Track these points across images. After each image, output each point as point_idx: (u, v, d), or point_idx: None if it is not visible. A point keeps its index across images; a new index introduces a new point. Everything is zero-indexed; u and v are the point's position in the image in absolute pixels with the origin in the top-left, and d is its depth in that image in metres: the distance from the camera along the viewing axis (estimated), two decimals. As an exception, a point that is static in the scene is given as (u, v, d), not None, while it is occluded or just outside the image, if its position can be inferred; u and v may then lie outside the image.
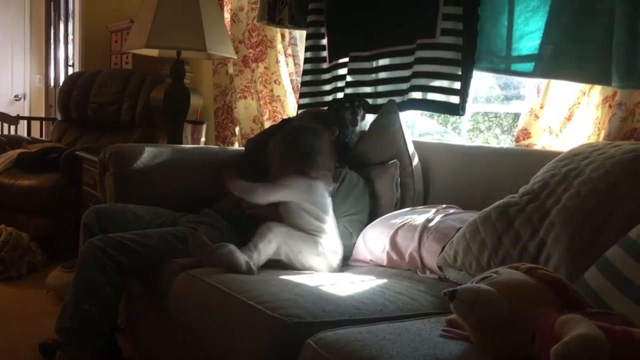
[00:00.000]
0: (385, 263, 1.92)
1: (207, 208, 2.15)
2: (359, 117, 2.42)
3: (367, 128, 2.45)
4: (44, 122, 5.59)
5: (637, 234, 1.19)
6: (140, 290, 2.03)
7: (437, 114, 2.85)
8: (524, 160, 1.96)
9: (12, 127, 5.16)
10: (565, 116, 1.99)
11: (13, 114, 5.59)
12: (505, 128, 2.82)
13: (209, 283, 1.53)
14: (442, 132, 3.16)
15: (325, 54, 2.79)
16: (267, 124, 3.26)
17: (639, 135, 1.75)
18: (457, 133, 2.97)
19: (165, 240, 1.91)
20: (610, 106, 1.84)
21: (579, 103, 1.96)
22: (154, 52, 3.13)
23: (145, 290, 2.00)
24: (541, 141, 2.06)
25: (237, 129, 3.53)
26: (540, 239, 1.44)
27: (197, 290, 1.57)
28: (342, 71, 2.73)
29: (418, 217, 1.90)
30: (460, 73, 2.18)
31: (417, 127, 2.97)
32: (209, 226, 2.02)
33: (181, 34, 2.79)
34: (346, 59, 2.67)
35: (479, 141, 2.83)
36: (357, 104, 2.46)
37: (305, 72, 2.84)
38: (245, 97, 3.47)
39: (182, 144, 3.01)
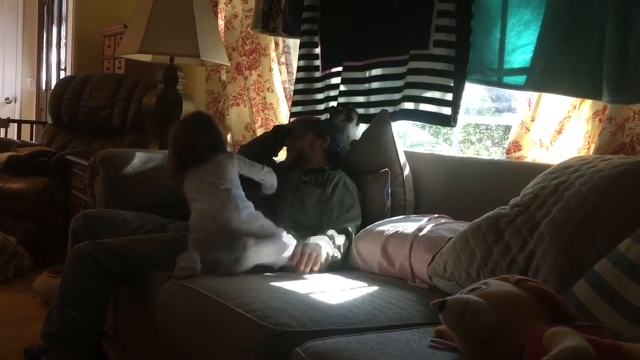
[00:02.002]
0: (376, 270, 1.92)
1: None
2: (353, 118, 2.44)
3: (359, 137, 2.46)
4: (34, 125, 5.55)
5: (625, 248, 1.19)
6: (127, 296, 2.02)
7: (429, 125, 2.86)
8: (514, 172, 1.97)
9: (2, 130, 5.12)
10: (556, 129, 2.00)
11: (3, 116, 5.56)
12: (496, 140, 2.83)
13: (197, 290, 1.52)
14: (433, 143, 3.17)
15: (318, 62, 2.79)
16: (259, 132, 3.26)
17: (629, 150, 1.77)
18: (449, 144, 2.99)
19: (154, 246, 1.90)
20: (600, 120, 1.86)
21: (570, 116, 1.97)
22: (147, 58, 3.12)
23: (132, 297, 1.99)
24: (532, 154, 2.07)
25: (229, 136, 3.52)
26: (529, 251, 1.45)
27: (184, 298, 1.56)
28: (335, 80, 2.74)
29: (410, 225, 1.90)
30: (452, 84, 2.19)
31: (409, 138, 2.98)
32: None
33: (175, 40, 2.79)
34: (339, 68, 2.68)
35: (469, 153, 2.85)
36: (350, 106, 2.48)
37: (298, 81, 2.85)
38: (238, 104, 3.47)
39: (173, 149, 2.99)
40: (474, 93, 2.65)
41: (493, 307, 1.02)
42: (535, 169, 1.77)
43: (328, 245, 1.91)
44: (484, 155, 2.69)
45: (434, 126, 2.87)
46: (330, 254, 1.90)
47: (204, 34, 2.83)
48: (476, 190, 2.05)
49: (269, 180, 2.14)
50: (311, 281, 1.69)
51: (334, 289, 1.60)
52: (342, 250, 1.97)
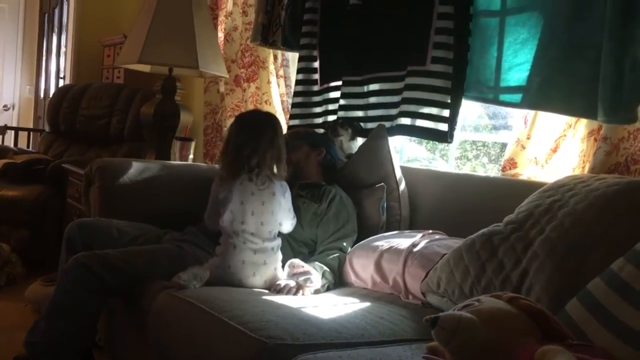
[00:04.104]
0: (369, 286, 1.91)
1: (191, 226, 2.14)
2: (348, 131, 2.46)
3: (355, 150, 2.47)
4: (31, 133, 5.55)
5: (619, 267, 1.20)
6: (121, 307, 2.01)
7: (426, 141, 2.87)
8: (509, 189, 1.97)
9: (-1, 137, 5.13)
10: (551, 148, 2.01)
11: (1, 123, 5.56)
12: (493, 157, 2.84)
13: (190, 302, 1.51)
14: (430, 158, 3.18)
15: (316, 76, 2.81)
16: (256, 144, 3.26)
17: (623, 169, 1.77)
18: (445, 160, 2.99)
19: (150, 258, 1.90)
20: (595, 139, 1.87)
21: (565, 135, 1.98)
22: (146, 68, 3.13)
23: (126, 308, 1.98)
24: (527, 171, 2.08)
25: (226, 148, 3.52)
26: (523, 269, 1.45)
27: (177, 309, 1.56)
28: (333, 94, 2.75)
29: (404, 241, 1.90)
30: (449, 101, 2.20)
31: (406, 153, 2.99)
32: (192, 244, 2.00)
33: (174, 51, 2.81)
34: (338, 82, 2.70)
35: (466, 169, 2.86)
36: (343, 120, 2.51)
37: (296, 94, 2.86)
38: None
39: (170, 160, 3.00)
40: (471, 110, 2.67)
41: (485, 324, 1.02)
42: (530, 186, 1.78)
43: (317, 279, 1.88)
44: (480, 172, 2.70)
45: (431, 142, 2.87)
46: (318, 287, 1.88)
47: (204, 46, 2.85)
48: (471, 206, 2.05)
49: (288, 228, 2.04)
50: (303, 296, 1.69)
51: (326, 304, 1.60)
52: (332, 277, 1.96)
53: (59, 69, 6.03)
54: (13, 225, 3.43)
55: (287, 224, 2.00)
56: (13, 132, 5.29)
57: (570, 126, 1.97)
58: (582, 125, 1.93)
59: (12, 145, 5.04)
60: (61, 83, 5.70)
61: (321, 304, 1.58)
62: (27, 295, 2.85)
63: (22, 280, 3.23)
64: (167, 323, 1.59)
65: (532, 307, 1.06)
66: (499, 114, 2.66)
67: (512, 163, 2.11)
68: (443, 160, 3.03)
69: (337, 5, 2.66)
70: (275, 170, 1.93)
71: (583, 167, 1.91)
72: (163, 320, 1.61)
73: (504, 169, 2.14)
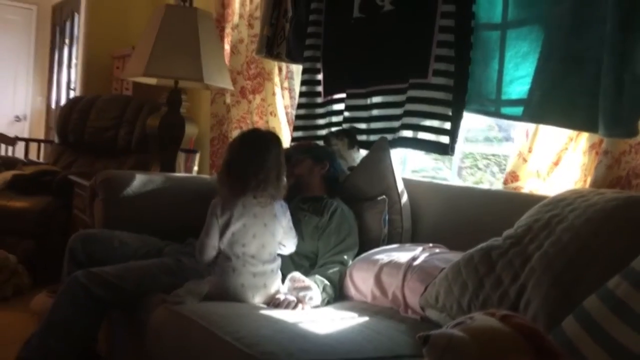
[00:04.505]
0: (369, 300, 1.91)
1: (192, 238, 2.14)
2: (349, 142, 2.46)
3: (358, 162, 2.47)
4: (41, 143, 5.60)
5: (614, 285, 1.18)
6: (121, 320, 2.01)
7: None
8: (511, 203, 1.96)
9: (10, 148, 5.18)
10: (553, 161, 2.00)
11: (13, 134, 5.62)
12: (503, 167, 2.83)
13: (187, 316, 1.52)
14: (437, 168, 3.17)
15: (320, 88, 2.82)
16: (261, 156, 3.27)
17: (625, 183, 1.76)
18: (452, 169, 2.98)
19: (149, 273, 1.90)
20: (597, 153, 1.86)
21: (567, 148, 1.97)
22: (152, 81, 3.16)
23: (125, 321, 1.98)
24: (528, 184, 2.07)
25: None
26: (521, 284, 1.44)
27: (174, 323, 1.56)
28: (337, 106, 2.76)
29: (404, 254, 1.90)
30: (450, 114, 2.20)
31: (412, 163, 2.98)
32: (193, 257, 2.01)
33: (179, 64, 2.83)
34: (342, 95, 2.71)
35: (476, 177, 2.84)
36: (346, 131, 2.51)
37: (299, 106, 2.87)
38: (241, 127, 3.50)
39: (175, 172, 3.02)
40: (481, 120, 2.64)
41: (476, 342, 1.02)
42: (532, 200, 1.77)
43: (317, 294, 1.87)
44: (488, 182, 2.69)
45: (437, 152, 2.86)
46: (318, 303, 1.87)
47: (208, 59, 2.87)
48: (473, 219, 2.05)
49: (291, 248, 2.03)
50: (298, 310, 1.69)
51: (324, 319, 1.60)
52: (332, 291, 1.95)
53: (70, 81, 6.10)
54: (20, 236, 3.46)
55: (290, 243, 1.98)
56: (24, 143, 5.34)
57: (572, 139, 1.96)
58: (584, 139, 1.92)
59: (22, 156, 5.09)
60: (72, 94, 5.76)
61: (319, 319, 1.58)
62: (32, 306, 2.86)
63: (29, 291, 3.25)
64: (165, 337, 1.59)
65: (525, 325, 1.05)
66: (510, 126, 2.64)
67: (514, 176, 2.10)
68: (450, 170, 3.02)
69: (340, 18, 2.67)
70: (276, 189, 1.89)
71: (585, 181, 1.90)
72: (161, 334, 1.61)
73: (505, 182, 2.13)
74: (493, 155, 2.87)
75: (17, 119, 6.87)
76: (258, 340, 1.31)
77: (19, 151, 5.31)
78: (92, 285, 1.80)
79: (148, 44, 2.84)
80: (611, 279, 1.21)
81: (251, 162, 1.85)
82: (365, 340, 1.43)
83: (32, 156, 5.48)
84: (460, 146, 2.63)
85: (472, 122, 2.60)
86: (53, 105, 6.54)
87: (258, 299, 1.80)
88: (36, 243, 3.40)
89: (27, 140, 5.39)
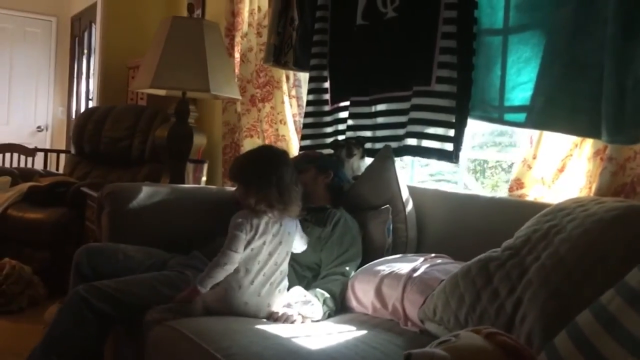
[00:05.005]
0: (370, 312, 1.89)
1: (197, 251, 2.15)
2: (354, 152, 2.44)
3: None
4: (60, 154, 5.69)
5: (607, 299, 1.15)
6: (123, 335, 2.02)
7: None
8: (516, 210, 1.93)
9: (30, 159, 5.26)
10: (558, 167, 1.97)
11: (35, 144, 5.72)
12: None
13: (182, 332, 1.52)
14: (452, 172, 3.14)
15: (327, 96, 2.81)
16: (271, 164, 3.27)
17: (629, 191, 1.72)
18: (469, 173, 2.95)
19: (151, 287, 1.91)
20: (601, 159, 1.82)
21: (572, 155, 1.93)
22: (161, 92, 3.18)
23: (127, 337, 1.99)
24: (534, 192, 2.03)
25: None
26: (517, 297, 1.41)
27: (170, 338, 1.56)
28: (344, 114, 2.75)
29: (405, 265, 1.88)
30: (454, 120, 2.17)
31: (431, 167, 2.94)
32: (196, 270, 2.01)
33: (186, 75, 2.84)
34: (347, 103, 2.69)
35: (490, 182, 2.80)
36: (353, 141, 2.49)
37: (307, 115, 2.86)
38: (252, 136, 3.50)
39: (184, 182, 3.03)
40: (493, 126, 2.60)
41: (458, 362, 1.00)
42: (537, 208, 1.72)
43: (318, 309, 1.86)
44: (506, 183, 2.66)
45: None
46: (319, 317, 1.86)
47: (215, 69, 2.88)
48: (478, 228, 2.02)
49: (303, 248, 2.02)
50: (298, 324, 1.67)
51: (319, 333, 1.58)
52: (333, 304, 1.93)
53: (88, 91, 6.18)
54: (36, 247, 3.51)
55: (300, 243, 1.98)
56: (42, 153, 5.42)
57: (577, 145, 1.92)
58: (589, 145, 1.88)
59: (42, 167, 5.18)
60: (90, 105, 5.84)
61: (314, 334, 1.57)
62: (46, 317, 2.90)
63: (44, 301, 3.29)
64: (162, 352, 1.60)
65: (508, 343, 1.03)
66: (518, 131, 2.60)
67: (519, 183, 2.07)
68: (467, 173, 2.99)
69: (344, 26, 2.66)
70: (297, 207, 1.88)
71: (590, 188, 1.86)
72: (159, 351, 1.61)
73: (511, 189, 2.09)
74: (497, 161, 2.85)
75: (39, 129, 6.98)
76: (248, 357, 1.31)
77: (38, 162, 5.39)
78: (93, 299, 1.81)
79: (155, 55, 2.87)
80: (605, 294, 1.17)
81: (277, 181, 1.82)
82: (359, 355, 1.41)
83: (52, 166, 5.57)
84: (472, 152, 2.61)
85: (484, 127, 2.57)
86: (73, 116, 6.64)
87: (262, 315, 1.79)
88: (51, 254, 3.44)
89: (46, 151, 5.47)
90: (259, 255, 1.79)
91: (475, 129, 2.56)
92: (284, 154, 1.95)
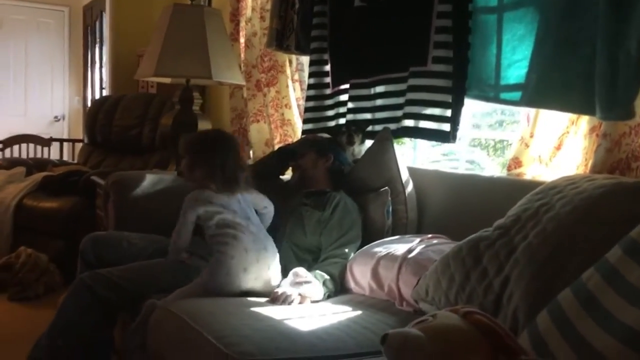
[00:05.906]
0: (367, 293, 1.91)
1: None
2: (354, 140, 2.44)
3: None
4: (75, 144, 5.77)
5: (587, 277, 1.16)
6: (128, 321, 2.07)
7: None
8: (514, 189, 1.92)
9: (45, 149, 5.34)
10: (555, 145, 1.95)
11: (53, 134, 5.79)
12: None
13: (178, 315, 1.55)
14: (470, 151, 3.11)
15: (328, 79, 2.81)
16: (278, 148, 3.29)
17: (624, 167, 1.70)
18: (481, 149, 2.93)
19: (151, 273, 1.95)
20: (597, 136, 1.80)
21: (568, 132, 1.92)
22: (166, 79, 3.21)
23: (133, 323, 2.03)
24: (531, 170, 2.02)
25: (250, 152, 3.58)
26: (505, 276, 1.42)
27: (168, 321, 1.60)
28: (344, 97, 2.75)
29: (401, 247, 1.89)
30: (451, 100, 2.16)
31: (444, 147, 2.92)
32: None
33: (188, 62, 2.86)
34: (348, 85, 2.69)
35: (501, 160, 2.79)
36: (353, 128, 2.49)
37: (308, 98, 2.86)
38: (258, 121, 3.52)
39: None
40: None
41: (432, 341, 1.01)
42: (535, 186, 1.71)
43: (318, 290, 1.90)
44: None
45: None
46: (319, 298, 1.89)
47: (217, 56, 2.89)
48: (478, 207, 2.02)
49: (269, 203, 2.14)
50: (294, 306, 1.70)
51: (313, 315, 1.61)
52: (333, 285, 1.96)
53: (102, 80, 6.24)
54: (50, 235, 3.58)
55: (265, 202, 2.11)
56: (58, 143, 5.50)
57: (573, 123, 1.90)
58: (584, 122, 1.86)
59: (58, 156, 5.26)
60: (104, 93, 5.90)
61: (307, 315, 1.59)
62: (58, 304, 2.96)
63: (60, 288, 3.36)
64: (161, 336, 1.64)
65: (483, 322, 1.04)
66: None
67: (517, 162, 2.06)
68: (479, 149, 2.97)
69: (343, 7, 2.65)
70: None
71: (586, 165, 1.84)
72: (158, 334, 1.65)
73: (509, 168, 2.09)
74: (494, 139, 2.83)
75: (57, 119, 7.08)
76: (238, 340, 1.34)
77: (55, 151, 5.47)
78: (96, 286, 1.86)
79: (157, 43, 2.89)
80: (585, 272, 1.18)
81: (222, 163, 1.96)
82: (349, 336, 1.43)
83: (69, 156, 5.65)
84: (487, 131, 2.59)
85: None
86: (89, 105, 6.71)
87: (258, 284, 1.86)
88: (65, 242, 3.51)
89: (61, 141, 5.55)
90: (244, 212, 1.93)
91: (494, 106, 2.53)
92: (232, 138, 2.10)
